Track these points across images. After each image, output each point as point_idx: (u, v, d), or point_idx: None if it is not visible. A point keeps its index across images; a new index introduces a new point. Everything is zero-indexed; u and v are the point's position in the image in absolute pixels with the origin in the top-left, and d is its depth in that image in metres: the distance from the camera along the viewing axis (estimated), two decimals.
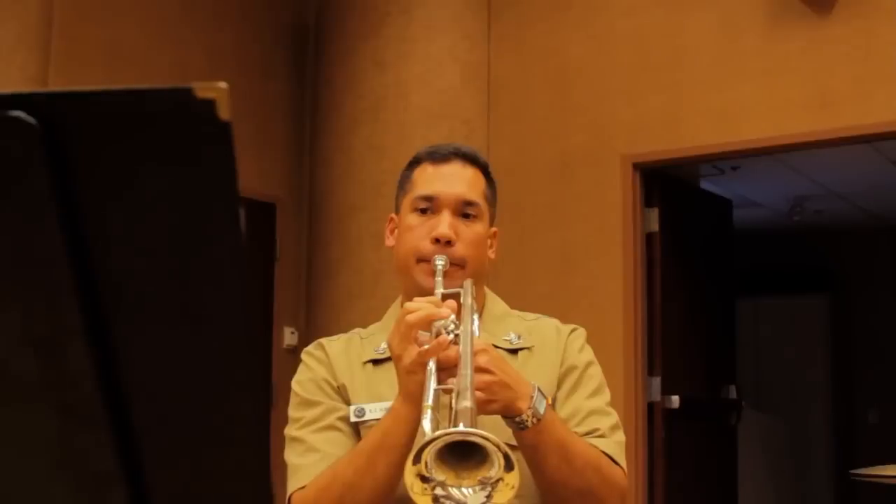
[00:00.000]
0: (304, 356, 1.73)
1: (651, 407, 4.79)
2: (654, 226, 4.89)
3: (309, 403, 1.65)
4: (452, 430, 1.19)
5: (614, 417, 1.64)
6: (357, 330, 1.78)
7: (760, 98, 4.54)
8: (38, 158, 0.54)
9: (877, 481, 3.89)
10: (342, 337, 1.75)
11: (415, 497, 1.21)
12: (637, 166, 4.82)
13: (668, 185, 5.02)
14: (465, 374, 1.31)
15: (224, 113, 0.54)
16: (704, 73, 4.67)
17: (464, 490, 1.21)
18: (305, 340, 4.74)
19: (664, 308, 4.88)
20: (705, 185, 6.26)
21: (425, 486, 1.20)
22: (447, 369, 1.39)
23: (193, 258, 0.57)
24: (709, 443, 5.38)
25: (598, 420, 1.61)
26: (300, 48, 5.60)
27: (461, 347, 1.39)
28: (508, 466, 1.19)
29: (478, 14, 5.16)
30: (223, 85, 0.54)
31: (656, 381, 4.80)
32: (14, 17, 4.07)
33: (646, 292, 4.84)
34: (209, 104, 0.54)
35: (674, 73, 4.74)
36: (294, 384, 1.69)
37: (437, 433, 1.19)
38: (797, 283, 8.83)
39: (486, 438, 1.18)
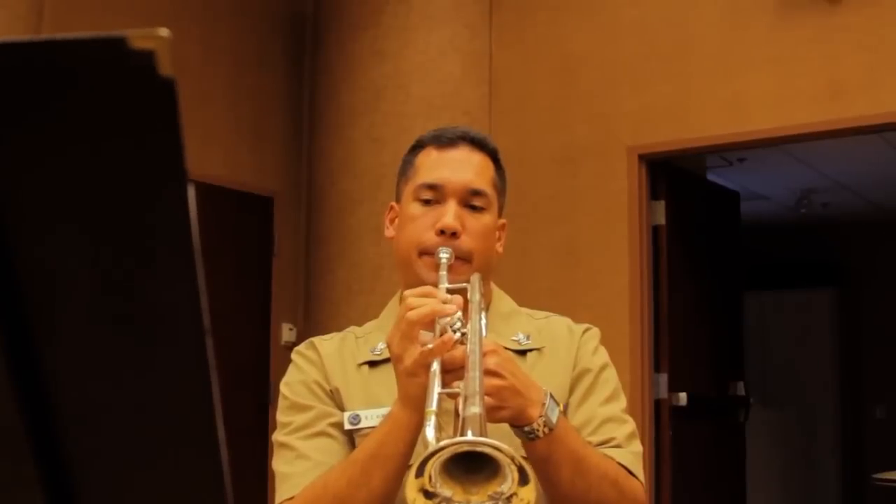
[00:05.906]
0: (294, 356, 1.61)
1: (658, 404, 4.70)
2: (661, 218, 4.80)
3: (299, 407, 1.53)
4: (460, 439, 1.07)
5: (631, 425, 1.52)
6: (352, 328, 1.65)
7: (768, 88, 4.44)
8: None
9: (889, 485, 3.79)
10: (336, 336, 1.63)
11: None
12: (643, 158, 4.72)
13: (674, 177, 4.92)
14: (474, 376, 1.19)
15: (165, 67, 0.43)
16: (711, 62, 4.57)
17: None
18: (304, 337, 4.62)
19: (670, 303, 4.79)
20: (711, 176, 6.17)
21: (429, 502, 1.09)
22: (452, 371, 1.27)
23: (133, 247, 0.46)
24: (717, 440, 5.29)
25: (613, 429, 1.49)
26: (297, 38, 5.50)
27: (469, 347, 1.27)
28: (523, 480, 1.07)
29: (479, 3, 5.06)
30: (165, 32, 0.43)
31: (663, 378, 4.71)
32: (3, 6, 3.98)
33: (652, 287, 4.74)
34: (147, 56, 0.43)
35: (680, 63, 4.64)
36: (283, 386, 1.57)
37: (443, 443, 1.07)
38: (804, 277, 8.74)
39: (499, 449, 1.06)
